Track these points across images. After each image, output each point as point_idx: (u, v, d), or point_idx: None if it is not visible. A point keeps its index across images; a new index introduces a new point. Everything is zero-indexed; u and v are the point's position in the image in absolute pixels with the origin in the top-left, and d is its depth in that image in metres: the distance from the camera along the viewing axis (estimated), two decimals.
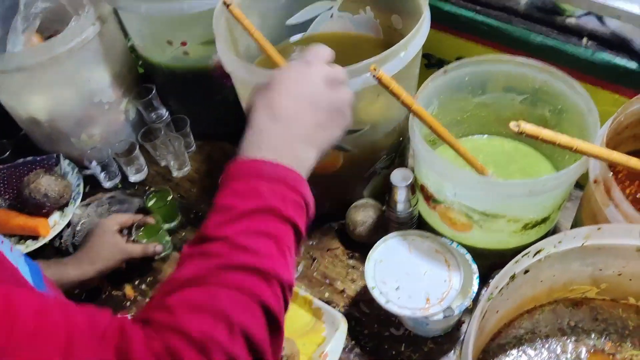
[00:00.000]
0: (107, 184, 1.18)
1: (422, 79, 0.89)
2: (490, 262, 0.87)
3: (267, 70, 0.78)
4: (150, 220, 1.03)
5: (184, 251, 0.51)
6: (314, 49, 0.64)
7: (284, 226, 0.52)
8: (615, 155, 0.67)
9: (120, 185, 1.19)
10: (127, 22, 1.09)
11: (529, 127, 0.62)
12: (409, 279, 0.82)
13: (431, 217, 0.90)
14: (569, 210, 0.96)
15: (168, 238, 1.04)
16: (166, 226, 1.08)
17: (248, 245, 0.49)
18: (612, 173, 0.79)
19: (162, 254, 1.03)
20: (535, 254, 0.60)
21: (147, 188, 1.16)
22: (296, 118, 0.58)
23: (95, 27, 1.04)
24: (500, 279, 0.58)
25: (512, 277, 0.59)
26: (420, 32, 0.82)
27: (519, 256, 0.59)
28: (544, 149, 0.96)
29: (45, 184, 1.07)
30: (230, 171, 0.54)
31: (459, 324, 0.89)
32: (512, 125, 0.62)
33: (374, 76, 0.72)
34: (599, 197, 0.69)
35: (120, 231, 1.00)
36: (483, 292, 0.83)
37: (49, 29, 1.21)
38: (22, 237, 1.09)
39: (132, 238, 1.00)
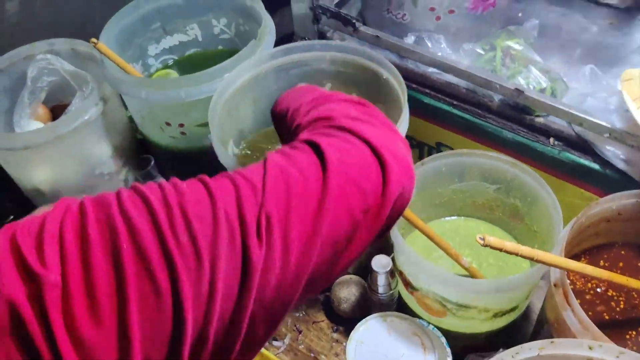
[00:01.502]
0: None
1: None
2: (463, 344, 0.93)
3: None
4: None
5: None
6: None
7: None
8: (572, 264, 0.73)
9: None
10: (128, 102, 1.16)
11: (493, 241, 0.68)
12: None
13: (410, 300, 0.96)
14: (542, 289, 1.02)
15: None
16: None
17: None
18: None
19: None
20: None
21: None
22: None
23: (99, 107, 1.10)
24: None
25: None
26: (399, 128, 0.89)
27: None
28: (516, 233, 1.02)
29: None
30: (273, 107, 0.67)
31: None
32: (478, 238, 0.68)
33: None
34: (558, 300, 0.75)
35: None
36: None
37: (54, 99, 1.28)
38: None
39: None
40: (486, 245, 0.68)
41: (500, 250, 0.69)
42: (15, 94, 1.24)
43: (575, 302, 0.72)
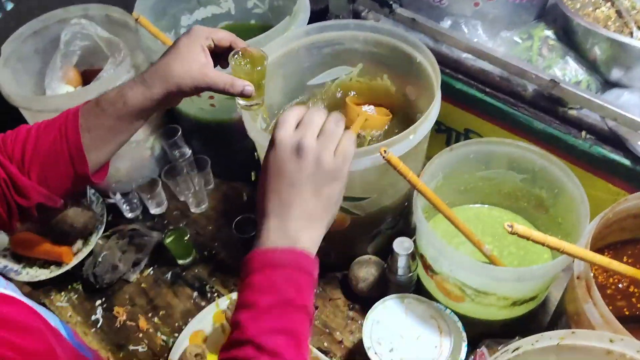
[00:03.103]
0: (128, 215, 1.26)
1: (431, 141, 0.96)
2: (479, 330, 0.93)
3: None
4: (255, 52, 0.79)
5: (220, 356, 0.58)
6: (280, 119, 0.65)
7: (300, 315, 0.59)
8: (598, 258, 0.73)
9: (140, 217, 1.26)
10: None
11: (521, 229, 0.69)
12: (403, 342, 0.89)
13: (429, 283, 0.97)
14: (562, 280, 1.02)
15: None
16: (181, 262, 1.16)
17: (272, 348, 0.56)
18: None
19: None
20: (513, 351, 0.66)
21: (165, 222, 1.24)
22: (288, 204, 0.62)
23: (130, 74, 1.11)
24: None
25: None
26: (429, 118, 0.89)
27: (498, 353, 0.66)
28: (539, 224, 1.02)
29: (72, 215, 1.15)
30: (249, 263, 0.61)
31: None
32: (506, 225, 0.68)
33: (383, 157, 0.79)
34: (580, 293, 0.75)
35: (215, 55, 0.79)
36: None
37: (85, 63, 1.29)
38: (46, 262, 1.17)
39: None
40: (514, 233, 0.68)
41: (528, 239, 0.69)
42: (47, 57, 1.26)
43: (598, 295, 0.72)
